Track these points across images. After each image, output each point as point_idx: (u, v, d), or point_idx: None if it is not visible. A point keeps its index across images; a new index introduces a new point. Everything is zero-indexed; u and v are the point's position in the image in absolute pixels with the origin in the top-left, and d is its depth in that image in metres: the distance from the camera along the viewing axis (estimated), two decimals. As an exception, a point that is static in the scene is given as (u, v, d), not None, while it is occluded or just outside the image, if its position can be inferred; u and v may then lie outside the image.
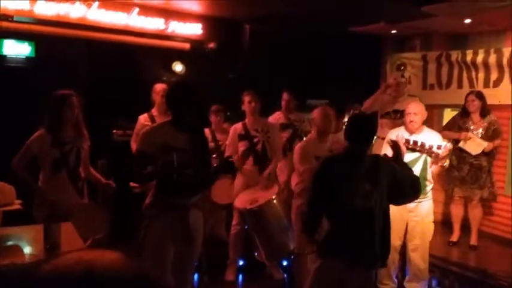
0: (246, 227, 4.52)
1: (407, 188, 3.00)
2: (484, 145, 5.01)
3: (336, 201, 2.86)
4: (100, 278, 0.55)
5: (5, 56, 5.20)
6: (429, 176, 4.18)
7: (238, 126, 4.72)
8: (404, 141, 3.92)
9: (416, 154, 4.04)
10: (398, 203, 3.23)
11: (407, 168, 3.15)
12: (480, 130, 5.09)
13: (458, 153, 5.14)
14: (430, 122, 5.81)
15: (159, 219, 3.03)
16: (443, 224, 5.81)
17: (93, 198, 3.88)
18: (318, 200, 2.92)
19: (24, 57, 5.32)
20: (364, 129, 2.96)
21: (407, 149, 3.98)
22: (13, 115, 4.79)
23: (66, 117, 3.63)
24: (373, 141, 4.16)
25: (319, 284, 2.89)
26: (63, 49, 5.35)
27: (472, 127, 5.12)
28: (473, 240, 5.29)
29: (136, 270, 0.60)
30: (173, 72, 6.24)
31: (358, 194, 2.81)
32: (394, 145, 3.29)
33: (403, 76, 5.87)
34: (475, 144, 5.03)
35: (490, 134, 5.07)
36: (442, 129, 5.15)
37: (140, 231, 3.06)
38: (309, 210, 2.96)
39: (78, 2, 5.38)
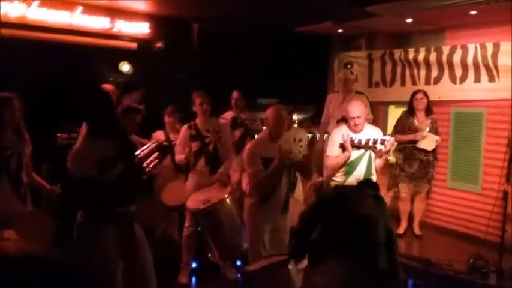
0: (199, 228, 4.49)
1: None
2: (437, 139, 5.28)
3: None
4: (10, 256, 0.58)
5: None
6: (374, 171, 4.31)
7: (190, 126, 4.68)
8: (350, 141, 4.03)
9: (361, 151, 4.16)
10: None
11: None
12: (427, 128, 5.32)
13: (407, 152, 5.35)
14: (376, 118, 6.02)
15: (94, 230, 2.92)
16: (392, 217, 6.00)
17: (36, 204, 3.73)
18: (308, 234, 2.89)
19: (-41, 58, 5.03)
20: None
21: (352, 147, 4.10)
22: None
23: (7, 122, 3.47)
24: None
25: None
26: (3, 50, 5.10)
27: (418, 125, 5.34)
28: (417, 230, 5.54)
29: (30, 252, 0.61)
30: (120, 73, 6.11)
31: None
32: None
33: (351, 73, 6.03)
34: (429, 141, 5.28)
35: (434, 131, 5.34)
36: (393, 133, 5.32)
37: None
38: (298, 233, 2.91)
39: (16, 1, 5.15)
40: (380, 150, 4.08)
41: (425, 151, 5.31)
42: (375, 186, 3.29)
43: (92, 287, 0.59)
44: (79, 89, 5.17)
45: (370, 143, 4.05)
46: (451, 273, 4.42)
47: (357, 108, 4.24)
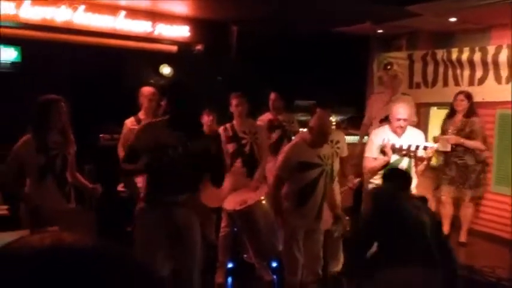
0: (235, 229, 4.53)
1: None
2: (447, 137, 5.08)
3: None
4: (64, 250, 0.57)
5: (-9, 61, 5.18)
6: (413, 174, 4.22)
7: (227, 127, 4.73)
8: (390, 146, 3.96)
9: (404, 152, 4.08)
10: None
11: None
12: (455, 131, 5.15)
13: (445, 154, 5.22)
14: (417, 120, 5.88)
15: (144, 216, 3.11)
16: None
17: (80, 203, 3.88)
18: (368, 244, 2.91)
19: (10, 62, 5.29)
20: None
21: (393, 152, 4.02)
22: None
23: (53, 123, 3.62)
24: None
25: None
26: (50, 53, 5.33)
27: (450, 127, 5.20)
28: (463, 237, 5.35)
29: (100, 247, 0.61)
30: (161, 75, 6.24)
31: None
32: None
33: (401, 73, 5.93)
34: (442, 143, 5.10)
35: (466, 134, 5.13)
36: (440, 135, 5.22)
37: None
38: (358, 248, 2.94)
39: (63, 6, 5.36)
40: (421, 158, 3.99)
41: (459, 155, 5.14)
42: (407, 177, 3.24)
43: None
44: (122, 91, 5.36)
45: (412, 148, 3.96)
46: (494, 280, 4.27)
47: (403, 110, 4.15)
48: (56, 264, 0.54)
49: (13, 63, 5.31)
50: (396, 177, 3.20)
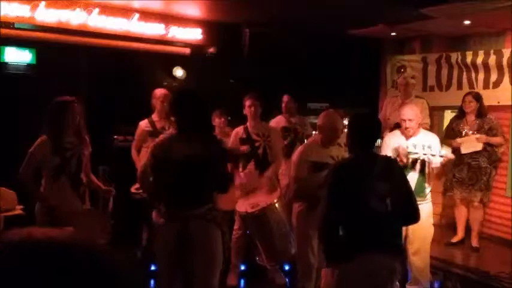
0: (248, 231, 4.52)
1: (404, 201, 2.90)
2: (477, 136, 5.03)
3: (353, 205, 2.79)
4: (37, 241, 0.60)
5: (6, 63, 5.23)
6: (427, 178, 4.18)
7: (240, 130, 4.73)
8: (405, 152, 3.92)
9: (416, 155, 4.04)
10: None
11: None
12: (470, 131, 5.09)
13: (456, 156, 5.14)
14: (431, 123, 5.82)
15: (162, 230, 3.12)
16: (444, 226, 5.80)
17: (94, 204, 3.89)
18: (335, 210, 2.82)
19: (25, 64, 5.35)
20: (366, 131, 2.91)
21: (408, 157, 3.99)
22: (14, 122, 4.81)
23: (68, 124, 3.64)
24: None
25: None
26: (64, 56, 5.38)
27: (465, 129, 5.13)
28: (475, 242, 5.28)
29: (75, 238, 0.63)
30: (174, 78, 6.27)
31: (375, 195, 2.75)
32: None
33: (412, 77, 5.88)
34: (471, 143, 5.04)
35: (485, 131, 5.07)
36: (445, 137, 5.14)
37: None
38: (326, 225, 2.84)
39: (78, 9, 5.41)
40: (436, 163, 3.95)
41: (473, 156, 5.08)
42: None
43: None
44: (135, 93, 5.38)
45: (425, 158, 3.91)
46: (510, 285, 4.21)
47: (409, 111, 4.12)
48: (21, 258, 0.57)
49: (28, 66, 5.36)
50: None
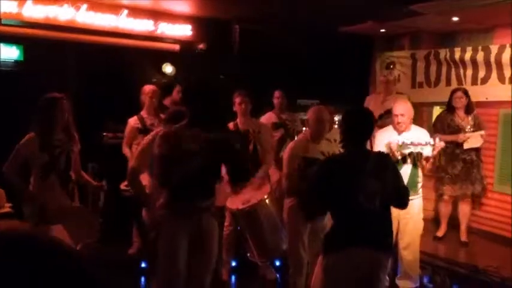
0: (239, 227, 4.52)
1: (396, 196, 2.96)
2: (482, 133, 5.11)
3: (343, 201, 2.82)
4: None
5: (-7, 60, 5.17)
6: (420, 173, 4.21)
7: (230, 126, 4.72)
8: (396, 147, 3.94)
9: (408, 149, 4.06)
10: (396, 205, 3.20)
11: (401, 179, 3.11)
12: (468, 126, 5.15)
13: (448, 152, 5.18)
14: (420, 119, 5.87)
15: (170, 223, 2.97)
16: (434, 221, 5.86)
17: (83, 201, 3.87)
18: (316, 195, 2.90)
19: (12, 60, 5.29)
20: (359, 124, 2.91)
21: (401, 149, 4.01)
22: (2, 119, 4.76)
23: (56, 121, 3.61)
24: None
25: (331, 280, 2.80)
26: (52, 52, 5.32)
27: (459, 123, 5.18)
28: (463, 236, 5.34)
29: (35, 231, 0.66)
30: (163, 74, 6.24)
31: (365, 192, 2.76)
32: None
33: (391, 74, 5.97)
34: (474, 139, 5.10)
35: (477, 127, 5.15)
36: (433, 132, 5.17)
37: (151, 232, 3.04)
38: (307, 199, 2.94)
39: (66, 5, 5.36)
40: (427, 156, 3.99)
41: (467, 151, 5.14)
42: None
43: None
44: (125, 89, 5.35)
45: (419, 149, 3.95)
46: (498, 279, 4.26)
47: (401, 106, 4.18)
48: None
49: (16, 62, 5.30)
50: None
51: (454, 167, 5.20)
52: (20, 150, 3.54)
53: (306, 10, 5.50)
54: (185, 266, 2.99)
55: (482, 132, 5.13)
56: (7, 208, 3.78)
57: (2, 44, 5.21)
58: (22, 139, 3.58)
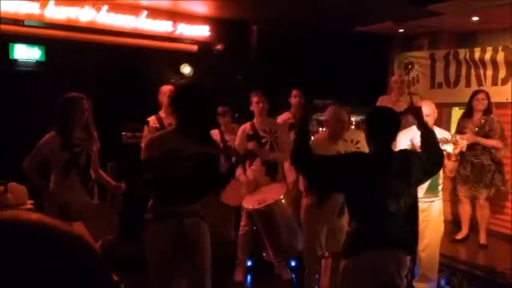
0: (254, 227, 4.54)
1: (430, 165, 2.94)
2: (466, 137, 4.95)
3: (365, 201, 2.76)
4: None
5: (16, 60, 5.28)
6: (441, 174, 4.18)
7: (247, 126, 4.74)
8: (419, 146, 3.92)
9: None
10: (422, 182, 3.19)
11: (430, 135, 3.06)
12: (476, 129, 5.06)
13: (461, 153, 5.11)
14: (439, 120, 5.79)
15: (155, 228, 2.96)
16: (453, 223, 5.79)
17: (103, 199, 3.94)
18: (322, 167, 2.86)
19: (34, 61, 5.40)
20: (385, 124, 2.85)
21: None
22: (24, 118, 4.87)
23: (76, 120, 3.68)
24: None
25: (351, 283, 2.77)
26: (73, 53, 5.42)
27: (470, 125, 5.11)
28: (483, 239, 5.27)
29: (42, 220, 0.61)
30: (181, 74, 6.29)
31: (390, 194, 2.72)
32: (415, 111, 3.22)
33: (407, 75, 5.95)
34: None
35: (485, 132, 5.03)
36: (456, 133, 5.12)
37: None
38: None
39: (87, 6, 5.45)
40: (449, 153, 3.95)
41: (475, 154, 5.05)
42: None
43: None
44: (143, 90, 5.41)
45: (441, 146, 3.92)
46: (517, 283, 4.21)
47: (427, 107, 4.15)
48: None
49: (37, 62, 5.41)
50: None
51: (464, 168, 5.14)
52: (41, 149, 3.62)
53: (324, 10, 5.49)
54: (173, 268, 2.98)
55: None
56: (29, 205, 3.87)
57: (24, 45, 5.32)
58: (42, 138, 3.66)
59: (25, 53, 5.34)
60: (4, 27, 4.94)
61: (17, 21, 5.09)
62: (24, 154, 3.64)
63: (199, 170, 2.93)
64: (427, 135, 3.03)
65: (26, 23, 5.19)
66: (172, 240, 2.93)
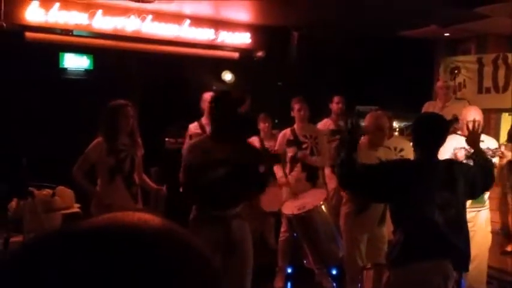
0: (295, 234, 4.52)
1: (480, 181, 2.85)
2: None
3: (413, 211, 2.69)
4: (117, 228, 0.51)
5: (65, 69, 5.52)
6: None
7: (287, 131, 4.74)
8: (464, 157, 3.79)
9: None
10: (474, 197, 3.11)
11: (482, 157, 2.96)
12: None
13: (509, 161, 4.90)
14: (487, 127, 5.59)
15: (201, 234, 2.97)
16: (502, 234, 5.55)
17: (146, 204, 4.02)
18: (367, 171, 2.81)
19: (83, 69, 5.62)
20: (434, 131, 2.76)
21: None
22: (73, 124, 5.06)
23: (122, 126, 3.78)
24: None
25: None
26: (119, 61, 5.61)
27: None
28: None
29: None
30: (223, 81, 6.37)
31: (437, 204, 2.64)
32: (471, 139, 3.12)
33: (453, 80, 5.76)
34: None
35: None
36: (508, 142, 4.91)
37: None
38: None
39: (133, 16, 5.63)
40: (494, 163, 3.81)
41: None
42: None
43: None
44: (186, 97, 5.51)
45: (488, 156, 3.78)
46: None
47: (473, 112, 4.01)
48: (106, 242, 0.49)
49: (86, 71, 5.63)
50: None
51: None
52: (89, 154, 3.74)
53: (367, 15, 5.43)
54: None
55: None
56: (76, 208, 4.01)
57: (73, 54, 5.55)
58: (90, 144, 3.78)
59: (74, 62, 5.57)
60: (54, 37, 5.17)
61: (66, 31, 5.31)
62: (73, 159, 3.77)
63: (234, 175, 2.97)
64: (484, 164, 2.92)
65: (75, 33, 5.41)
66: (219, 243, 2.97)
